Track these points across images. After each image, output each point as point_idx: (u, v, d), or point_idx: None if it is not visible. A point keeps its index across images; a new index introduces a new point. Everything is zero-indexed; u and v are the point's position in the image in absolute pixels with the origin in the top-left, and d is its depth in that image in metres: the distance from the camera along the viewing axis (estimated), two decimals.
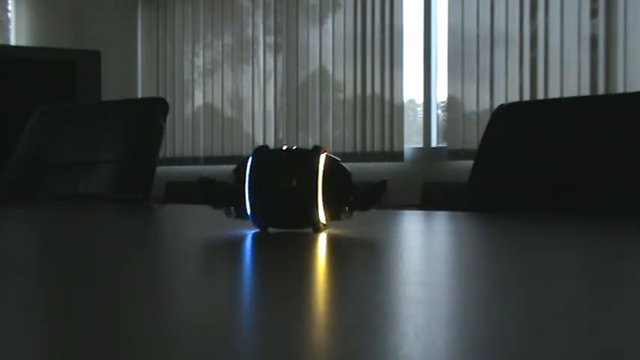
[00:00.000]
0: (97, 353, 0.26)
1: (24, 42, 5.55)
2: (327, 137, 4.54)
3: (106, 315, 0.34)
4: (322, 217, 0.77)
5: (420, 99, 4.32)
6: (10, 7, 5.63)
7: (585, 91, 3.68)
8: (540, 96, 3.81)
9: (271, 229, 0.78)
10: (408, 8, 4.30)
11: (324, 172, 0.76)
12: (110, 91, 4.72)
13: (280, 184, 0.76)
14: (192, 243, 0.70)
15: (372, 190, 0.80)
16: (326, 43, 4.59)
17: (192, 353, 0.27)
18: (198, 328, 0.31)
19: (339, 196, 0.77)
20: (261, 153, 0.78)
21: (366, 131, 4.38)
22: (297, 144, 4.61)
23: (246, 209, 0.77)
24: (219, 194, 0.80)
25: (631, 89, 3.56)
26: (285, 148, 0.79)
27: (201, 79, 5.20)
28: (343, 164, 0.79)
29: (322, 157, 0.77)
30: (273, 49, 4.86)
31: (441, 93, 4.24)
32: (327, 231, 0.78)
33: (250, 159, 0.77)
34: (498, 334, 0.30)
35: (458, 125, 4.10)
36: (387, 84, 4.30)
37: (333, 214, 0.77)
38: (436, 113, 4.27)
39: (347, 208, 0.78)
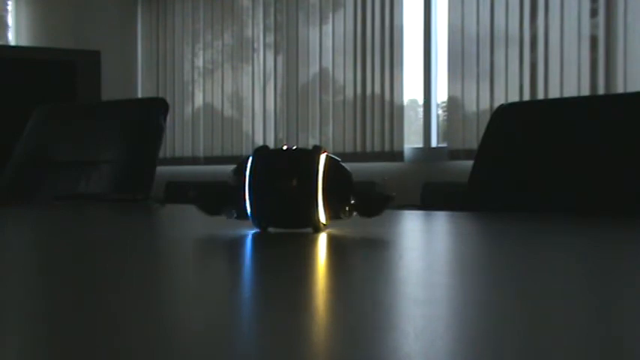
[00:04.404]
0: (97, 353, 0.26)
1: (24, 42, 5.54)
2: (327, 137, 4.54)
3: (104, 316, 0.34)
4: (322, 217, 0.77)
5: (420, 99, 4.32)
6: (10, 7, 5.62)
7: (585, 91, 3.68)
8: (540, 96, 3.81)
9: (271, 229, 0.78)
10: (408, 8, 4.29)
11: (324, 172, 0.76)
12: (110, 91, 4.71)
13: (280, 184, 0.76)
14: (192, 243, 0.70)
15: (377, 200, 0.79)
16: (326, 43, 4.58)
17: (192, 353, 0.27)
18: (197, 328, 0.31)
19: (339, 196, 0.77)
20: (261, 153, 0.78)
21: (366, 131, 4.38)
22: (297, 144, 4.61)
23: (246, 209, 0.77)
24: (213, 203, 0.81)
25: (631, 89, 3.56)
26: (285, 148, 0.79)
27: (201, 79, 5.20)
28: (343, 164, 0.79)
29: (322, 157, 0.77)
30: (273, 49, 4.86)
31: (441, 93, 4.24)
32: (327, 231, 0.78)
33: (250, 159, 0.77)
34: (498, 335, 0.30)
35: (458, 125, 4.10)
36: (387, 84, 4.30)
37: (333, 214, 0.77)
38: (436, 113, 4.27)
39: (347, 209, 0.78)
